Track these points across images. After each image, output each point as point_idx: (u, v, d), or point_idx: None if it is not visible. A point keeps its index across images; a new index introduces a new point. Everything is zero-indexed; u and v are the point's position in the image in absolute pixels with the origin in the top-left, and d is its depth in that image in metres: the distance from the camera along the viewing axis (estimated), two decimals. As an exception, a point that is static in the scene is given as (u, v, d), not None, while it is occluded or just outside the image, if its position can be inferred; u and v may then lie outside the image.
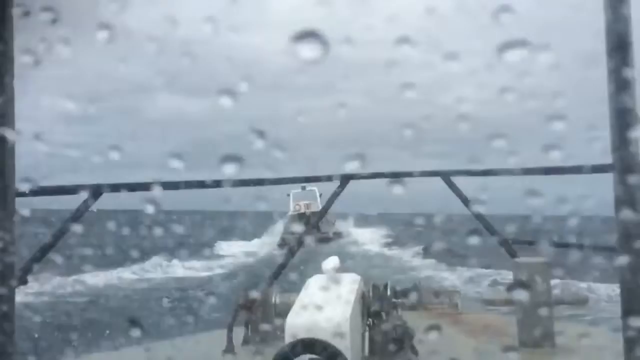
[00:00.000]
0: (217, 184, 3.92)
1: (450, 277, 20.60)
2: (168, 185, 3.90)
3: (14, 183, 1.16)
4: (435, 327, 2.78)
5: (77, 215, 3.56)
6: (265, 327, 3.75)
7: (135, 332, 3.27)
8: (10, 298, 1.14)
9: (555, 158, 1.42)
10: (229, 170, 1.51)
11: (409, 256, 28.43)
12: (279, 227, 40.01)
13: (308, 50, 1.09)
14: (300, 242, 4.90)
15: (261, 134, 1.58)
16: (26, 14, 1.29)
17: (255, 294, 3.77)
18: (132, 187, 3.80)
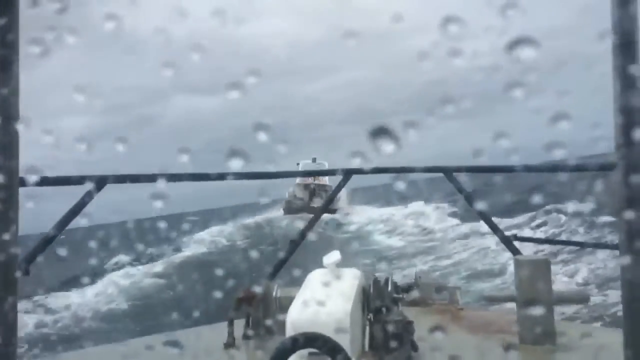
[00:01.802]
0: (221, 176, 3.94)
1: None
2: (173, 178, 3.91)
3: (18, 173, 1.17)
4: (439, 328, 2.79)
5: (81, 206, 3.57)
6: (266, 321, 3.77)
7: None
8: (13, 289, 1.15)
9: (559, 156, 1.41)
10: (235, 165, 1.52)
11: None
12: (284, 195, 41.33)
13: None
14: (304, 207, 4.95)
15: (266, 127, 1.59)
16: (35, 2, 1.30)
17: (256, 288, 3.77)
18: (137, 179, 3.81)
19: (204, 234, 37.40)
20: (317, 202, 36.55)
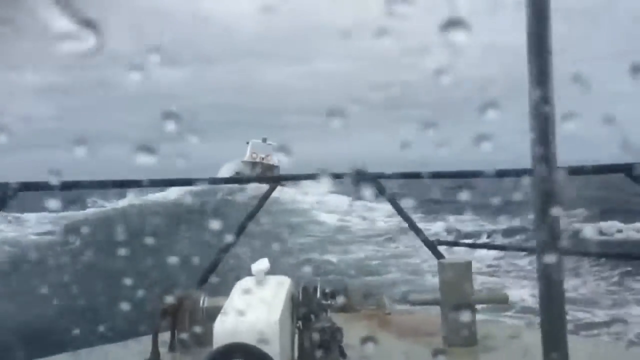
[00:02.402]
0: (189, 182, 3.86)
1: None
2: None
3: None
4: (369, 338, 2.82)
5: None
6: (192, 332, 3.65)
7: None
8: None
9: (486, 150, 1.44)
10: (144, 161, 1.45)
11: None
12: (228, 167, 39.28)
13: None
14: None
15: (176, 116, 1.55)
16: None
17: (180, 297, 3.66)
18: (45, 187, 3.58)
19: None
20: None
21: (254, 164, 41.32)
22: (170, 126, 1.59)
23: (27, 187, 3.46)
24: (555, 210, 1.14)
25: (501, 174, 4.16)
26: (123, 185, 4.05)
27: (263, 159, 41.40)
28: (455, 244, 4.76)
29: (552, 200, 1.15)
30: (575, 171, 3.43)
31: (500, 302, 4.32)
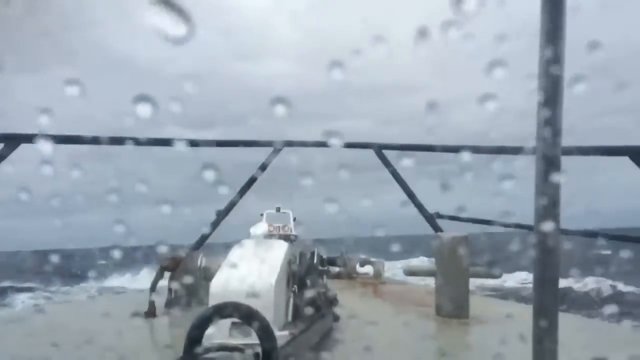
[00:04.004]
0: (192, 143, 3.85)
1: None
2: (114, 140, 3.71)
3: None
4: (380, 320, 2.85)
5: None
6: (189, 289, 3.71)
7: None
8: None
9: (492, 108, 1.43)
10: (143, 111, 1.44)
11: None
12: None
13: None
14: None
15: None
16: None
17: (179, 256, 3.70)
18: (56, 139, 3.59)
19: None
20: None
21: (270, 236, 41.00)
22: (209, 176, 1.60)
23: (28, 138, 3.46)
24: (555, 178, 1.14)
25: (502, 150, 4.12)
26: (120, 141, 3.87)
27: (280, 229, 40.98)
28: (455, 218, 4.77)
29: (553, 168, 1.15)
30: (580, 151, 3.41)
31: (494, 277, 4.36)
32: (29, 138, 3.42)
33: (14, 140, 3.31)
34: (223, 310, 2.00)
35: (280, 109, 1.51)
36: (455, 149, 4.39)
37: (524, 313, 1.40)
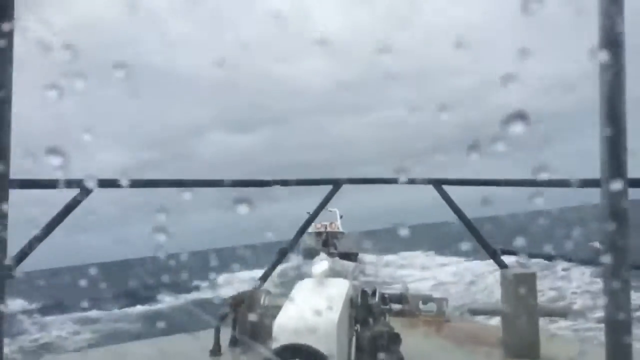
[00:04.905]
0: (218, 183, 3.98)
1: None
2: (164, 183, 3.91)
3: (8, 176, 1.18)
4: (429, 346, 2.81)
5: (67, 210, 3.56)
6: (253, 328, 3.76)
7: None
8: (1, 289, 1.15)
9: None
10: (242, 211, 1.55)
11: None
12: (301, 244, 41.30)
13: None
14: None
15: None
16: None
17: (242, 295, 3.77)
18: (127, 184, 3.80)
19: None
20: (331, 250, 36.64)
21: (318, 234, 41.67)
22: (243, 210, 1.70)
23: (103, 184, 3.66)
24: (623, 223, 1.11)
25: (566, 184, 3.99)
26: (207, 184, 4.11)
27: (327, 227, 41.63)
28: (518, 253, 4.63)
29: (623, 217, 1.12)
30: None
31: (564, 315, 4.18)
32: (105, 183, 3.63)
33: (87, 189, 3.52)
34: (287, 353, 2.02)
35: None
36: (520, 183, 4.29)
37: (597, 352, 1.35)
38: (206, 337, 3.64)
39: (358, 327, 3.14)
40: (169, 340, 4.03)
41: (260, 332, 3.68)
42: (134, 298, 29.26)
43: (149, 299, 29.60)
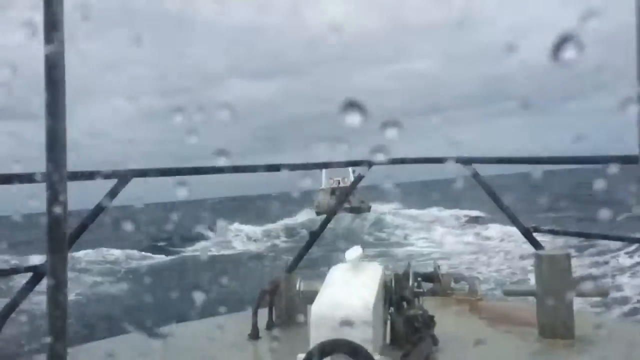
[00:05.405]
0: (251, 168, 4.05)
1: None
2: (199, 171, 3.99)
3: (65, 160, 1.26)
4: (481, 342, 2.83)
5: (110, 198, 3.66)
6: (289, 312, 3.85)
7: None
8: (63, 269, 1.24)
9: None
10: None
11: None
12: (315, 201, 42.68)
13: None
14: (333, 212, 5.07)
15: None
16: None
17: (278, 280, 3.86)
18: (161, 172, 3.88)
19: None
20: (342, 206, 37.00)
21: (333, 190, 41.55)
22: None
23: (141, 173, 3.75)
24: None
25: (604, 160, 3.92)
26: (238, 170, 4.19)
27: (340, 182, 41.59)
28: (553, 232, 4.58)
29: None
30: None
31: (600, 295, 4.15)
32: (140, 173, 3.71)
33: (125, 178, 3.60)
34: (328, 347, 2.09)
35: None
36: (562, 160, 4.23)
37: (634, 331, 1.36)
38: (242, 321, 3.74)
39: (392, 310, 3.19)
40: (205, 323, 4.15)
41: (295, 316, 3.77)
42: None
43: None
